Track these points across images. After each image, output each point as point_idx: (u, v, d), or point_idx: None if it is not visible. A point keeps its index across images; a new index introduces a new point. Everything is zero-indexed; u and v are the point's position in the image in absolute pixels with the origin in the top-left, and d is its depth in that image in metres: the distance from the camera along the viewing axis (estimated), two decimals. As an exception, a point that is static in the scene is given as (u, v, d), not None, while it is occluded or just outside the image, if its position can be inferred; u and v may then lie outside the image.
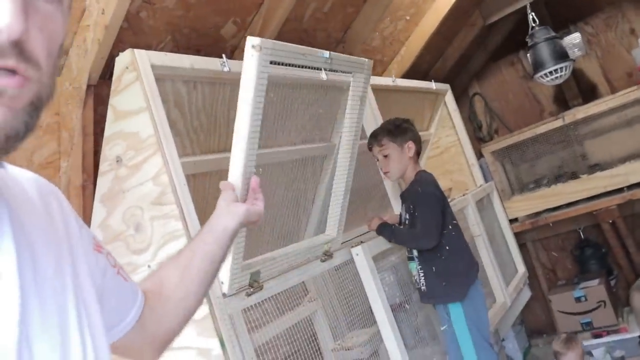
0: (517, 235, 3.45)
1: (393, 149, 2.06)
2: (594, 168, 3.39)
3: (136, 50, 1.37)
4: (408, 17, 2.80)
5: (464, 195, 2.85)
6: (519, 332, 3.73)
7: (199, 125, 1.60)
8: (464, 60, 3.77)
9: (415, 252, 2.04)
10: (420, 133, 2.20)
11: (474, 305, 2.00)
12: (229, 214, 0.98)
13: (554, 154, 3.61)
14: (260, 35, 1.90)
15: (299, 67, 1.47)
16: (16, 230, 0.53)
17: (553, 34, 3.12)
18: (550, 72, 3.07)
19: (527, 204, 3.48)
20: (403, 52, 2.97)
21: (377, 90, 2.48)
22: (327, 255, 1.80)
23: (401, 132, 2.07)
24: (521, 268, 3.30)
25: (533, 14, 3.15)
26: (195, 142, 1.61)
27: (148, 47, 1.60)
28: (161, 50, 1.67)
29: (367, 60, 1.76)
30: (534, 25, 3.15)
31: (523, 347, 3.73)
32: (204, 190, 1.62)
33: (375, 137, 2.10)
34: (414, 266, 2.04)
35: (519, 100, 4.01)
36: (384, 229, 2.02)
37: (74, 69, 1.47)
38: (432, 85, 3.10)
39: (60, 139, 1.52)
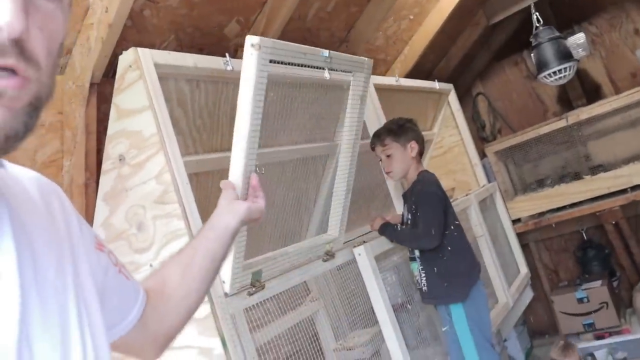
0: (520, 236, 3.45)
1: (396, 149, 2.06)
2: (598, 169, 3.38)
3: (139, 49, 1.37)
4: (412, 17, 2.80)
5: (466, 195, 2.84)
6: (521, 333, 3.72)
7: (201, 124, 1.60)
8: (467, 60, 3.76)
9: (417, 253, 2.03)
10: (423, 133, 2.19)
11: (476, 305, 2.00)
12: (230, 211, 0.98)
13: (558, 154, 3.60)
14: (263, 34, 1.90)
15: (299, 66, 1.47)
16: (16, 229, 0.53)
17: (557, 34, 3.12)
18: (554, 72, 3.06)
19: (530, 204, 3.47)
20: (406, 51, 2.97)
21: (381, 89, 2.47)
22: (329, 255, 1.80)
23: (404, 131, 2.07)
24: (523, 269, 3.29)
25: (537, 13, 3.14)
26: (198, 141, 1.61)
27: (151, 46, 1.60)
28: (164, 48, 1.67)
29: (367, 59, 1.75)
30: (538, 25, 3.14)
31: (525, 348, 3.72)
32: (207, 189, 1.62)
33: (378, 136, 2.10)
34: (416, 266, 2.04)
35: (523, 100, 4.00)
36: (386, 229, 2.02)
37: (77, 67, 1.48)
38: (436, 84, 3.10)
39: (63, 138, 1.52)
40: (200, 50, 1.78)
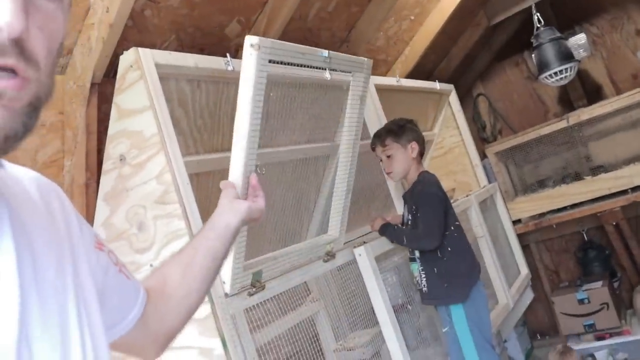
0: (521, 237, 3.44)
1: (396, 149, 2.06)
2: (598, 170, 3.37)
3: (140, 49, 1.37)
4: (413, 17, 2.80)
5: (467, 196, 2.84)
6: (521, 334, 3.72)
7: (202, 124, 1.60)
8: (468, 60, 3.76)
9: (417, 253, 2.03)
10: (424, 133, 2.19)
11: (476, 306, 2.00)
12: (231, 210, 0.98)
13: (558, 155, 3.60)
14: (264, 34, 1.90)
15: (298, 66, 1.47)
16: (16, 229, 0.53)
17: (558, 34, 3.11)
18: (555, 73, 3.06)
19: (531, 205, 3.47)
20: (407, 52, 2.97)
21: (381, 90, 2.47)
22: (330, 255, 1.80)
23: (405, 132, 2.07)
24: (524, 269, 3.29)
25: (538, 14, 3.14)
26: (199, 141, 1.61)
27: (152, 46, 1.60)
28: (165, 49, 1.67)
29: (366, 59, 1.75)
30: (539, 25, 3.14)
31: (525, 349, 3.72)
32: (207, 189, 1.62)
33: (379, 137, 2.10)
34: (416, 267, 2.04)
35: (524, 100, 4.00)
36: (386, 230, 2.02)
37: (78, 67, 1.48)
38: (436, 85, 3.09)
39: (64, 138, 1.52)
40: (201, 51, 1.78)
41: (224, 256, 0.95)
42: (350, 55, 1.73)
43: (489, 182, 3.36)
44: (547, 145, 3.53)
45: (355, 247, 1.86)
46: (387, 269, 2.06)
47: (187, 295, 0.87)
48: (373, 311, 1.85)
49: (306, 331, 1.72)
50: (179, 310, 0.86)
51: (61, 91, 1.49)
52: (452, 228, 2.04)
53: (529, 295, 3.31)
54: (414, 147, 2.06)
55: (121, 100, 1.42)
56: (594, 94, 3.66)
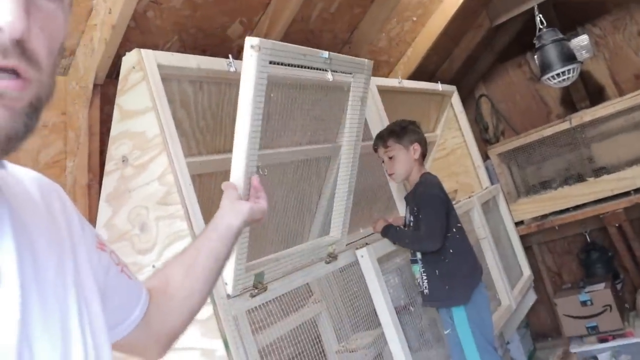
0: (523, 238, 3.44)
1: (398, 151, 2.06)
2: (601, 171, 3.37)
3: (143, 50, 1.37)
4: (415, 18, 2.79)
5: (469, 197, 2.84)
6: (524, 336, 3.71)
7: (204, 125, 1.60)
8: (470, 61, 3.76)
9: (418, 255, 2.03)
10: (426, 135, 2.19)
11: (478, 308, 1.99)
12: (232, 211, 0.98)
13: (561, 156, 3.59)
14: (266, 35, 1.90)
15: (299, 67, 1.47)
16: (17, 229, 0.53)
17: (561, 35, 3.11)
18: (558, 74, 3.06)
19: (533, 206, 3.46)
20: (409, 53, 2.97)
21: (383, 91, 2.47)
22: (332, 256, 1.80)
23: (407, 133, 2.07)
24: (526, 271, 3.28)
25: (541, 15, 3.13)
26: (201, 142, 1.61)
27: (155, 47, 1.60)
28: (168, 50, 1.67)
29: (367, 60, 1.75)
30: (541, 26, 3.13)
31: (528, 351, 3.71)
32: (210, 190, 1.62)
33: (381, 138, 2.10)
34: (417, 269, 2.03)
35: (526, 102, 3.99)
36: (388, 231, 2.02)
37: (81, 68, 1.48)
38: (439, 86, 3.09)
39: (67, 139, 1.52)
40: (204, 52, 1.79)
41: (226, 257, 0.95)
42: (350, 57, 1.73)
43: (492, 183, 3.35)
44: (550, 147, 3.52)
45: (357, 248, 1.86)
46: (389, 270, 2.05)
47: (190, 296, 0.87)
48: (375, 313, 1.85)
49: (308, 333, 1.72)
50: (182, 311, 0.86)
51: (64, 92, 1.49)
52: (454, 230, 2.03)
53: (532, 297, 3.30)
54: (416, 148, 2.06)
55: (123, 101, 1.42)
56: (597, 95, 3.65)
